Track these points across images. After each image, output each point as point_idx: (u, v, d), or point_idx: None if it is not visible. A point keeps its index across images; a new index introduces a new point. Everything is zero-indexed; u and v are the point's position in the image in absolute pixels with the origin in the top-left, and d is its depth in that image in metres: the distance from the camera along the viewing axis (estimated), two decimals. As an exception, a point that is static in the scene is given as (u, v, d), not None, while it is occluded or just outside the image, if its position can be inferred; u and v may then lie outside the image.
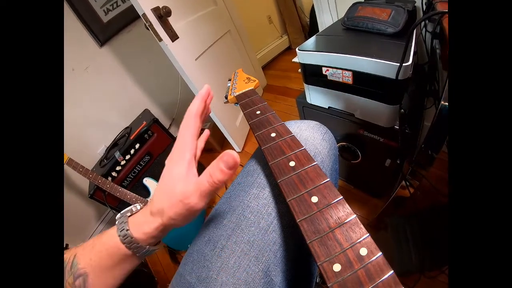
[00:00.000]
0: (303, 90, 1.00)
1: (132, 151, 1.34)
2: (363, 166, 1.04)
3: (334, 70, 0.78)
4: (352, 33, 0.86)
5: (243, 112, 0.43)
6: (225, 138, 1.75)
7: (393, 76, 0.63)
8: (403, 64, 0.59)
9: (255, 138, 0.37)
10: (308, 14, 2.43)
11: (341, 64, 0.75)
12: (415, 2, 0.89)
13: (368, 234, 0.22)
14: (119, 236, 0.31)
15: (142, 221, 0.33)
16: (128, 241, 0.31)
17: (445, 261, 0.69)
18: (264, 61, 2.65)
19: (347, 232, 0.23)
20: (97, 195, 1.22)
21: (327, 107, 0.95)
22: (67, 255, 0.33)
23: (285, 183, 0.29)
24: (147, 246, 0.33)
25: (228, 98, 0.50)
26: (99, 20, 1.51)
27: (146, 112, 1.58)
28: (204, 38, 1.49)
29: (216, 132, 1.77)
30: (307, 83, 0.93)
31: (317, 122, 0.48)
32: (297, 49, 0.84)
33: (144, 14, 1.06)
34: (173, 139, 1.51)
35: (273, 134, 0.36)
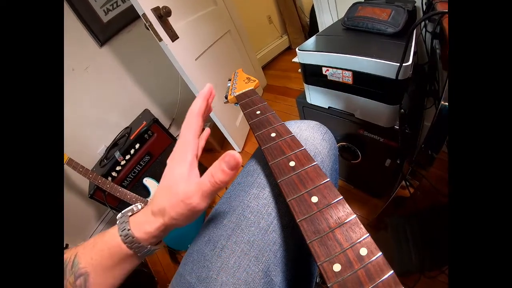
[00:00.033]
0: (303, 90, 1.00)
1: (132, 151, 1.34)
2: (363, 166, 1.04)
3: (334, 70, 0.78)
4: (352, 33, 0.86)
5: (243, 112, 0.43)
6: (225, 138, 1.75)
7: (393, 76, 0.63)
8: (403, 64, 0.59)
9: (255, 138, 0.37)
10: (308, 14, 2.43)
11: (341, 64, 0.75)
12: (415, 2, 0.89)
13: (368, 234, 0.22)
14: (121, 236, 0.31)
15: (143, 220, 0.33)
16: (130, 241, 0.31)
17: (445, 261, 0.69)
18: (264, 61, 2.65)
19: (347, 232, 0.23)
20: (97, 195, 1.22)
21: (327, 107, 0.95)
22: (68, 255, 0.33)
23: (285, 183, 0.29)
24: (148, 246, 0.33)
25: (228, 98, 0.50)
26: (99, 20, 1.51)
27: (146, 112, 1.59)
28: (204, 38, 1.49)
29: (216, 132, 1.77)
30: (307, 83, 0.93)
31: (317, 122, 0.48)
32: (297, 49, 0.84)
33: (144, 14, 1.06)
34: (173, 139, 1.51)
35: (273, 134, 0.36)
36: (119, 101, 1.71)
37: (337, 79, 0.80)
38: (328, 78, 0.82)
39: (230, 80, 0.57)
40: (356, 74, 0.73)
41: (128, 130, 1.48)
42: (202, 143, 0.41)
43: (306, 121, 0.47)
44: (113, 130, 1.57)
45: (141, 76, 1.79)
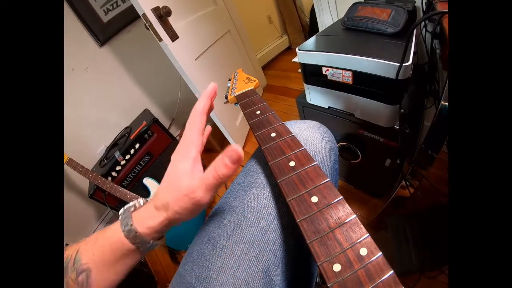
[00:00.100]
0: (303, 90, 1.00)
1: (132, 151, 1.34)
2: (363, 166, 1.04)
3: (334, 70, 0.78)
4: (352, 33, 0.86)
5: (243, 112, 0.43)
6: (225, 138, 1.75)
7: (393, 76, 0.63)
8: (403, 64, 0.59)
9: (255, 138, 0.37)
10: (308, 14, 2.43)
11: (341, 64, 0.75)
12: (415, 2, 0.89)
13: (368, 234, 0.22)
14: (123, 231, 0.31)
15: (146, 216, 0.33)
16: (132, 236, 0.31)
17: (445, 261, 0.69)
18: (264, 61, 2.65)
19: (347, 232, 0.23)
20: (97, 195, 1.22)
21: (327, 107, 0.95)
22: (70, 251, 0.32)
23: (285, 183, 0.29)
24: (151, 241, 0.33)
25: (228, 98, 0.50)
26: (99, 20, 1.51)
27: (146, 112, 1.59)
28: (204, 38, 1.49)
29: (216, 132, 1.77)
30: (307, 83, 0.93)
31: (317, 122, 0.48)
32: (297, 49, 0.84)
33: (144, 14, 1.06)
34: (173, 139, 1.51)
35: (273, 134, 0.36)
36: (119, 101, 1.71)
37: (337, 79, 0.80)
38: (328, 78, 0.82)
39: (230, 80, 0.57)
40: (356, 74, 0.73)
41: (128, 130, 1.48)
42: (203, 140, 0.42)
43: (306, 121, 0.47)
44: (113, 130, 1.57)
45: (141, 76, 1.79)
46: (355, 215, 0.24)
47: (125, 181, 1.33)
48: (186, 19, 1.33)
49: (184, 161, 0.33)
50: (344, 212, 0.24)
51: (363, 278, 0.20)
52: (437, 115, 0.50)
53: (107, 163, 1.33)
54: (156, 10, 1.10)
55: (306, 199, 0.27)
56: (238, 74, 0.57)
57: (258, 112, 0.41)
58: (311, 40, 0.89)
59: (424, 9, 0.86)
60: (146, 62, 1.79)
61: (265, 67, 2.64)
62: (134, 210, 0.34)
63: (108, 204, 1.21)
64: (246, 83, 0.51)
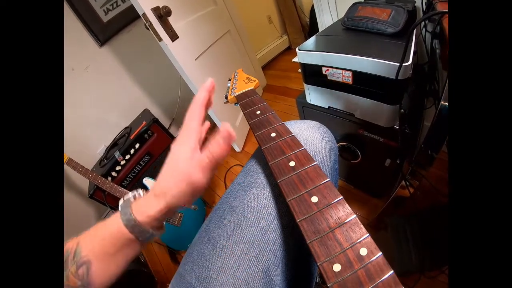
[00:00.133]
0: (303, 90, 1.00)
1: (132, 151, 1.34)
2: (363, 166, 1.04)
3: (334, 70, 0.78)
4: (352, 33, 0.86)
5: (243, 112, 0.43)
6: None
7: (393, 76, 0.63)
8: (403, 64, 0.59)
9: (255, 138, 0.37)
10: (308, 14, 2.43)
11: (341, 64, 0.75)
12: (415, 2, 0.88)
13: (368, 234, 0.22)
14: (123, 220, 0.32)
15: (146, 204, 0.33)
16: (132, 225, 0.31)
17: (445, 261, 0.69)
18: (264, 61, 2.65)
19: (347, 232, 0.23)
20: (97, 195, 1.22)
21: (327, 107, 0.95)
22: (70, 244, 0.32)
23: (285, 183, 0.29)
24: (151, 230, 0.33)
25: (228, 98, 0.50)
26: (99, 20, 1.51)
27: (146, 112, 1.59)
28: (204, 38, 1.49)
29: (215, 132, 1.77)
30: (307, 83, 0.93)
31: (317, 122, 0.48)
32: (297, 49, 0.84)
33: (144, 14, 1.06)
34: (173, 139, 1.51)
35: (273, 134, 0.36)
36: (119, 101, 1.71)
37: (337, 79, 0.80)
38: (328, 78, 0.82)
39: (230, 80, 0.57)
40: (356, 74, 0.73)
41: (128, 130, 1.48)
42: (202, 135, 0.42)
43: (306, 121, 0.47)
44: (113, 130, 1.57)
45: (141, 76, 1.79)
46: (355, 215, 0.24)
47: (125, 181, 1.33)
48: (186, 19, 1.33)
49: (183, 149, 0.33)
50: (344, 212, 0.24)
51: (363, 278, 0.20)
52: (437, 115, 0.50)
53: (107, 163, 1.33)
54: (156, 10, 1.10)
55: (306, 199, 0.27)
56: (238, 74, 0.57)
57: (258, 112, 0.41)
58: (311, 40, 0.89)
59: (424, 9, 0.86)
60: (146, 62, 1.79)
61: (265, 67, 2.64)
62: (134, 201, 0.35)
63: (108, 204, 1.21)
64: (246, 83, 0.51)
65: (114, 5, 1.56)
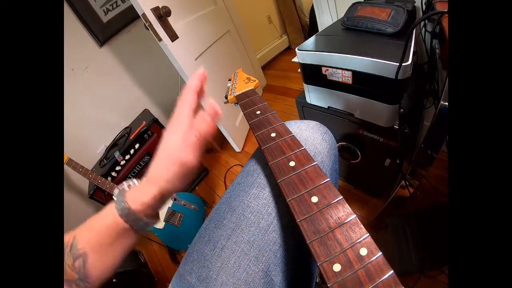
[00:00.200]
0: (303, 90, 1.00)
1: (131, 151, 1.34)
2: (363, 166, 1.04)
3: (334, 70, 0.78)
4: (352, 33, 0.86)
5: (243, 112, 0.43)
6: (225, 138, 1.75)
7: (392, 75, 0.63)
8: (403, 64, 0.59)
9: (255, 138, 0.37)
10: (308, 14, 2.43)
11: (341, 64, 0.75)
12: (415, 2, 0.89)
13: (368, 234, 0.22)
14: (117, 209, 0.32)
15: (139, 192, 0.33)
16: (126, 213, 0.31)
17: (445, 260, 0.69)
18: (264, 61, 2.65)
19: (347, 232, 0.23)
20: (96, 195, 1.22)
21: (326, 107, 0.95)
22: (67, 238, 0.32)
23: (285, 183, 0.29)
24: (145, 218, 0.33)
25: (228, 98, 0.50)
26: (98, 20, 1.51)
27: (146, 112, 1.59)
28: (204, 38, 1.49)
29: (216, 132, 1.77)
30: (306, 83, 0.93)
31: (317, 122, 0.48)
32: (296, 49, 0.84)
33: (143, 14, 1.06)
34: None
35: (273, 134, 0.36)
36: (119, 101, 1.71)
37: (336, 79, 0.80)
38: (328, 78, 0.82)
39: (230, 80, 0.57)
40: (356, 74, 0.73)
41: (128, 130, 1.48)
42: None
43: (306, 121, 0.47)
44: (113, 130, 1.57)
45: (140, 76, 1.79)
46: (355, 215, 0.24)
47: (125, 181, 1.33)
48: (185, 19, 1.33)
49: (174, 136, 0.33)
50: (344, 212, 0.24)
51: (363, 278, 0.20)
52: (436, 114, 0.50)
53: (107, 163, 1.33)
54: (155, 10, 1.10)
55: (306, 199, 0.27)
56: (238, 74, 0.57)
57: (258, 112, 0.41)
58: (311, 40, 0.89)
59: (423, 9, 0.86)
60: (146, 62, 1.79)
61: (264, 67, 2.64)
62: (128, 190, 0.35)
63: (108, 204, 1.21)
64: (246, 83, 0.51)
65: (114, 5, 1.56)
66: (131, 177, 1.35)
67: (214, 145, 1.87)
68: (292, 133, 0.35)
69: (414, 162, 0.75)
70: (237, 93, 0.48)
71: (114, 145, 1.46)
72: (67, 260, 0.30)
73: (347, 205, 0.25)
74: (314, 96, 0.96)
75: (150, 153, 1.41)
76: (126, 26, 1.64)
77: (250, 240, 0.36)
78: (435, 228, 0.71)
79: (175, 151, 0.32)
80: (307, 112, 1.07)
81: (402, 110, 0.73)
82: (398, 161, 0.87)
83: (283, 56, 2.77)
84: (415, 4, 0.88)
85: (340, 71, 0.77)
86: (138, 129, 1.38)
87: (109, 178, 1.27)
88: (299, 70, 0.92)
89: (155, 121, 1.41)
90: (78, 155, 1.22)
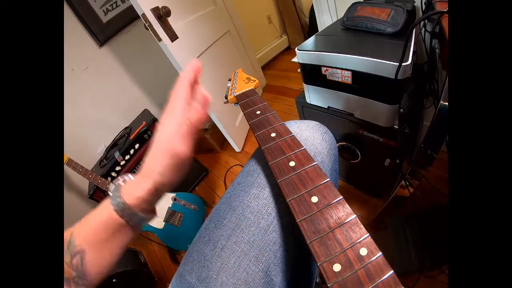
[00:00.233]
0: (303, 90, 1.00)
1: (131, 151, 1.34)
2: (363, 166, 1.04)
3: (334, 70, 0.78)
4: (352, 33, 0.86)
5: (243, 112, 0.43)
6: (225, 138, 1.75)
7: (392, 75, 0.63)
8: (402, 64, 0.60)
9: (255, 138, 0.37)
10: (308, 14, 2.43)
11: (341, 64, 0.75)
12: (415, 2, 0.89)
13: (368, 234, 0.22)
14: (113, 205, 0.31)
15: (134, 186, 0.33)
16: (121, 208, 0.31)
17: (445, 260, 0.69)
18: (264, 61, 2.65)
19: (347, 232, 0.23)
20: (96, 195, 1.22)
21: (326, 107, 0.95)
22: (64, 235, 0.32)
23: (285, 183, 0.29)
24: (140, 213, 0.33)
25: (228, 98, 0.50)
26: (98, 20, 1.51)
27: (145, 112, 1.58)
28: (204, 38, 1.49)
29: (215, 132, 1.77)
30: (306, 83, 0.93)
31: (317, 122, 0.48)
32: (296, 49, 0.84)
33: (143, 14, 1.06)
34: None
35: (273, 134, 0.36)
36: (119, 101, 1.71)
37: (336, 79, 0.80)
38: (328, 78, 0.82)
39: (230, 80, 0.57)
40: (356, 74, 0.73)
41: (127, 130, 1.48)
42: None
43: (306, 121, 0.47)
44: (112, 130, 1.57)
45: (140, 76, 1.79)
46: (355, 215, 0.24)
47: (124, 181, 1.33)
48: (185, 19, 1.33)
49: (167, 127, 0.33)
50: (344, 212, 0.24)
51: (363, 278, 0.20)
52: (436, 114, 0.50)
53: (106, 164, 1.33)
54: (155, 10, 1.10)
55: (306, 199, 0.27)
56: (238, 74, 0.57)
57: (258, 112, 0.41)
58: (311, 40, 0.89)
59: (423, 9, 0.86)
60: (145, 62, 1.79)
61: (264, 67, 2.64)
62: (124, 185, 0.34)
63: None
64: (246, 83, 0.51)
65: (114, 6, 1.56)
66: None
67: (214, 145, 1.87)
68: (292, 133, 0.35)
69: (414, 162, 0.75)
70: (237, 93, 0.48)
71: (114, 145, 1.46)
72: (65, 257, 0.30)
73: (347, 205, 0.25)
74: (314, 96, 0.96)
75: (150, 153, 1.41)
76: (126, 26, 1.64)
77: (250, 240, 0.36)
78: (435, 228, 0.71)
79: (167, 143, 0.32)
80: (307, 112, 1.07)
81: (402, 110, 0.73)
82: (398, 161, 0.87)
83: (283, 56, 2.77)
84: (414, 4, 0.88)
85: (339, 71, 0.77)
86: (138, 129, 1.38)
87: (109, 178, 1.27)
88: (299, 70, 0.92)
89: (155, 121, 1.41)
90: (78, 155, 1.22)
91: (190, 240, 0.43)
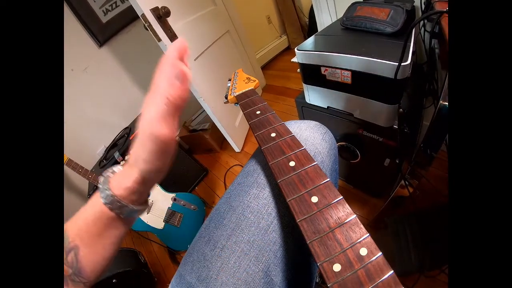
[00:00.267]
0: (302, 90, 1.00)
1: (131, 152, 1.33)
2: (363, 166, 1.04)
3: (333, 70, 0.78)
4: (351, 33, 0.86)
5: (243, 112, 0.43)
6: (224, 138, 1.75)
7: (392, 75, 0.63)
8: (402, 64, 0.60)
9: (255, 138, 0.37)
10: (307, 14, 2.43)
11: (340, 63, 0.75)
12: (414, 1, 0.89)
13: (368, 234, 0.22)
14: (102, 198, 0.30)
15: (122, 176, 0.31)
16: (110, 200, 0.30)
17: (445, 260, 0.69)
18: (263, 61, 2.65)
19: (347, 232, 0.23)
20: (96, 195, 1.21)
21: (326, 107, 0.95)
22: None
23: (285, 183, 0.29)
24: (130, 205, 0.31)
25: (228, 98, 0.50)
26: (98, 21, 1.51)
27: (145, 112, 1.58)
28: (203, 38, 1.49)
29: (215, 132, 1.77)
30: (306, 83, 0.93)
31: (317, 122, 0.48)
32: (296, 49, 0.84)
33: (143, 15, 1.06)
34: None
35: (273, 134, 0.36)
36: (119, 102, 1.71)
37: (336, 79, 0.80)
38: (327, 78, 0.82)
39: (230, 80, 0.57)
40: (355, 74, 0.73)
41: (127, 130, 1.48)
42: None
43: (306, 121, 0.47)
44: (112, 131, 1.57)
45: (140, 76, 1.79)
46: (355, 215, 0.24)
47: (124, 181, 1.33)
48: (185, 19, 1.33)
49: (148, 111, 0.30)
50: (344, 212, 0.24)
51: (363, 278, 0.20)
52: (436, 114, 0.50)
53: (106, 164, 1.33)
54: (155, 11, 1.10)
55: (306, 199, 0.27)
56: (238, 74, 0.57)
57: (258, 112, 0.41)
58: (310, 40, 0.89)
59: (422, 9, 0.86)
60: (145, 62, 1.79)
61: (264, 67, 2.64)
62: (112, 176, 0.33)
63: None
64: (246, 83, 0.51)
65: (113, 6, 1.56)
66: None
67: (214, 145, 1.87)
68: (292, 133, 0.35)
69: (413, 161, 0.75)
70: (237, 93, 0.48)
71: (113, 145, 1.46)
72: None
73: (347, 205, 0.25)
74: (314, 96, 0.96)
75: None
76: (125, 26, 1.64)
77: (250, 240, 0.36)
78: (435, 227, 0.71)
79: (148, 128, 0.29)
80: (306, 112, 1.07)
81: (401, 109, 0.73)
82: (397, 161, 0.87)
83: (283, 56, 2.77)
84: (414, 4, 0.88)
85: (339, 71, 0.77)
86: (138, 129, 1.38)
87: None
88: (298, 70, 0.92)
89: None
90: (77, 156, 1.22)
91: (190, 240, 0.43)
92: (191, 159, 1.63)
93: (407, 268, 0.82)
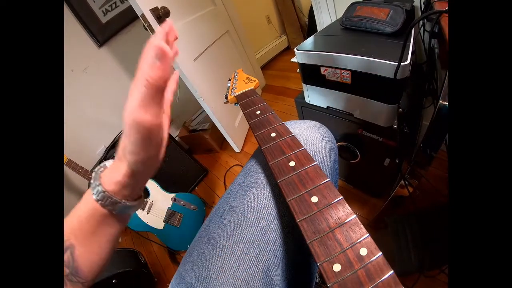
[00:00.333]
0: (302, 90, 1.00)
1: (131, 152, 1.33)
2: (362, 165, 1.04)
3: (333, 69, 0.78)
4: (351, 33, 0.86)
5: (243, 112, 0.43)
6: (224, 139, 1.75)
7: (391, 75, 0.63)
8: (401, 64, 0.60)
9: (255, 138, 0.37)
10: (307, 14, 2.43)
11: (340, 63, 0.75)
12: (413, 1, 0.89)
13: (368, 234, 0.22)
14: (93, 194, 0.29)
15: (112, 171, 0.31)
16: (102, 196, 0.29)
17: (445, 260, 0.69)
18: (263, 61, 2.65)
19: (347, 232, 0.23)
20: (96, 195, 1.21)
21: (325, 107, 0.95)
22: None
23: (285, 183, 0.29)
24: (122, 200, 0.30)
25: (228, 98, 0.50)
26: (97, 21, 1.51)
27: (145, 112, 1.58)
28: (203, 39, 1.49)
29: (215, 132, 1.77)
30: (305, 83, 0.93)
31: (317, 122, 0.48)
32: (295, 49, 0.84)
33: (142, 15, 1.06)
34: (172, 140, 1.51)
35: (273, 134, 0.36)
36: (118, 102, 1.71)
37: (335, 79, 0.80)
38: (327, 78, 0.82)
39: (230, 80, 0.57)
40: (355, 74, 0.73)
41: (127, 130, 1.48)
42: (173, 86, 0.37)
43: (306, 121, 0.47)
44: (112, 131, 1.56)
45: (140, 76, 1.79)
46: (355, 215, 0.24)
47: (124, 181, 1.32)
48: (184, 19, 1.33)
49: (130, 100, 0.27)
50: (344, 212, 0.24)
51: (363, 278, 0.20)
52: (435, 114, 0.51)
53: (106, 164, 1.33)
54: (154, 11, 1.10)
55: (306, 199, 0.27)
56: (238, 74, 0.57)
57: (258, 112, 0.41)
58: (310, 40, 0.89)
59: (422, 9, 0.86)
60: (145, 62, 1.78)
61: (264, 67, 2.64)
62: (103, 170, 0.32)
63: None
64: (246, 83, 0.51)
65: (113, 6, 1.56)
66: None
67: (214, 145, 1.87)
68: (292, 133, 0.35)
69: (413, 161, 0.75)
70: (237, 93, 0.48)
71: (113, 145, 1.46)
72: None
73: (347, 205, 0.25)
74: (313, 96, 0.96)
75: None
76: (125, 26, 1.64)
77: (250, 240, 0.36)
78: (435, 227, 0.71)
79: (130, 116, 0.26)
80: (306, 112, 1.07)
81: (401, 109, 0.73)
82: (397, 161, 0.87)
83: (282, 56, 2.77)
84: (413, 4, 0.88)
85: (339, 71, 0.77)
86: (138, 129, 1.38)
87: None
88: (298, 70, 0.92)
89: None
90: (77, 156, 1.22)
91: (190, 240, 0.43)
92: (191, 159, 1.63)
93: (407, 268, 0.82)
